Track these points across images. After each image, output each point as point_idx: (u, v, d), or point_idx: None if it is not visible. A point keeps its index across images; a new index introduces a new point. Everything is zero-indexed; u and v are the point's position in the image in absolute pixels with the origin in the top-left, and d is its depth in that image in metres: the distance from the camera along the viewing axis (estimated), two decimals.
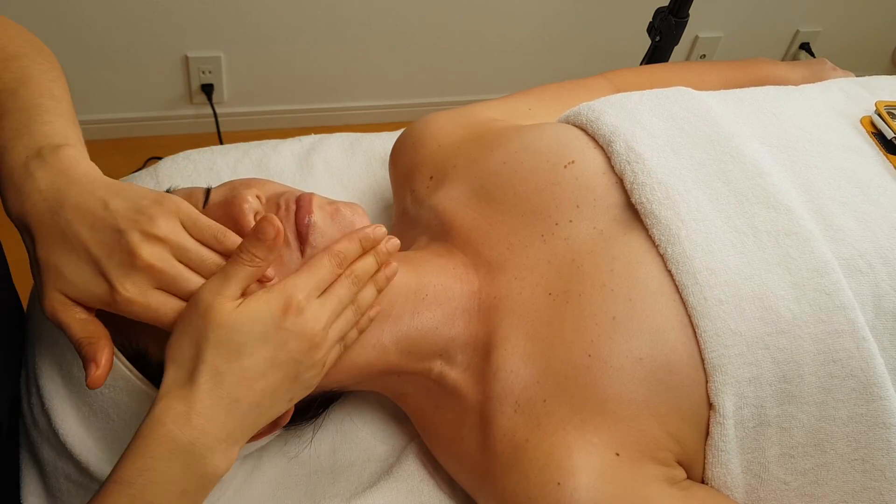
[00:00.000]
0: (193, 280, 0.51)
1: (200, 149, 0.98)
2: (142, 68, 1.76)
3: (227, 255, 0.52)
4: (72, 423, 0.62)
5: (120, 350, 0.57)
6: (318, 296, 0.54)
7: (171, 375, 0.50)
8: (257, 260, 0.51)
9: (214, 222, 0.53)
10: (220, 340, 0.49)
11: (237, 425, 0.50)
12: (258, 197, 0.59)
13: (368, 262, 0.58)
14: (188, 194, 0.62)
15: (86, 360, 0.51)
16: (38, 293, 0.52)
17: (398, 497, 0.68)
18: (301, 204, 0.59)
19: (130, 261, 0.49)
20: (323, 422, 0.73)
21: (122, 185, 0.52)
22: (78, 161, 0.53)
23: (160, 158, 0.99)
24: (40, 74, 0.60)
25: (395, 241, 0.60)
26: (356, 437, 0.74)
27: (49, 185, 0.51)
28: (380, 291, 0.60)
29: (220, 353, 0.49)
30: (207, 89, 1.83)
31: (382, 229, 0.59)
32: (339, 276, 0.55)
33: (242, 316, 0.49)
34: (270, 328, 0.50)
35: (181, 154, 0.96)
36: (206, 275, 0.52)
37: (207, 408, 0.48)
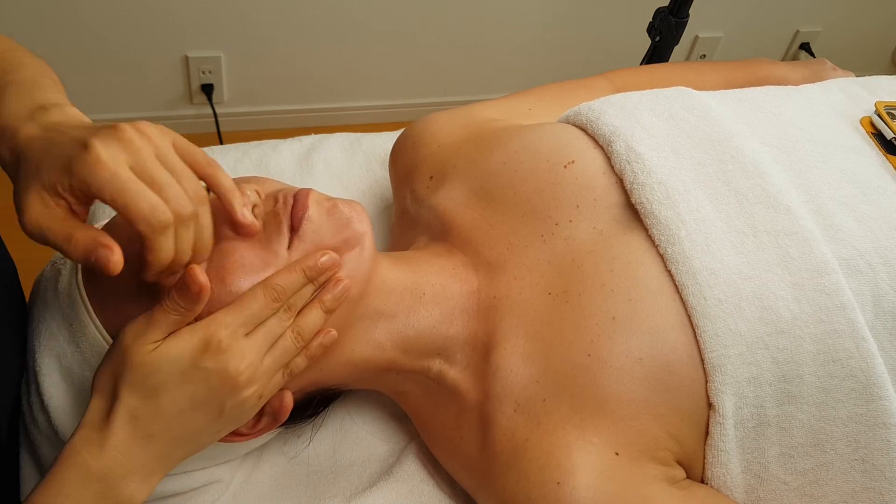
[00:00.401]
0: (164, 176, 0.47)
1: (201, 148, 0.98)
2: (142, 68, 1.76)
3: (206, 180, 0.51)
4: (71, 421, 0.62)
5: None
6: (248, 332, 0.52)
7: (94, 405, 0.51)
8: (181, 309, 0.50)
9: (207, 155, 0.52)
10: (135, 380, 0.49)
11: (152, 458, 0.51)
12: (257, 192, 0.59)
13: (304, 290, 0.55)
14: None
15: (90, 251, 0.45)
16: (19, 212, 0.47)
17: (398, 497, 0.68)
18: (298, 198, 0.58)
19: (113, 133, 0.46)
20: (323, 421, 0.73)
21: None
22: (82, 115, 0.52)
23: None
24: (38, 64, 0.60)
25: (332, 255, 0.56)
26: (356, 437, 0.74)
27: (50, 125, 0.49)
28: (329, 313, 0.57)
29: (135, 392, 0.49)
30: (207, 89, 1.83)
31: (330, 256, 0.56)
32: (278, 309, 0.53)
33: (160, 357, 0.49)
34: (188, 367, 0.50)
35: None
36: (180, 181, 0.48)
37: (121, 441, 0.49)
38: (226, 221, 0.56)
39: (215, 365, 0.50)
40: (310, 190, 0.60)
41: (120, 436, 0.49)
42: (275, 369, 0.54)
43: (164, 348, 0.50)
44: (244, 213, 0.52)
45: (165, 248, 0.47)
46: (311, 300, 0.56)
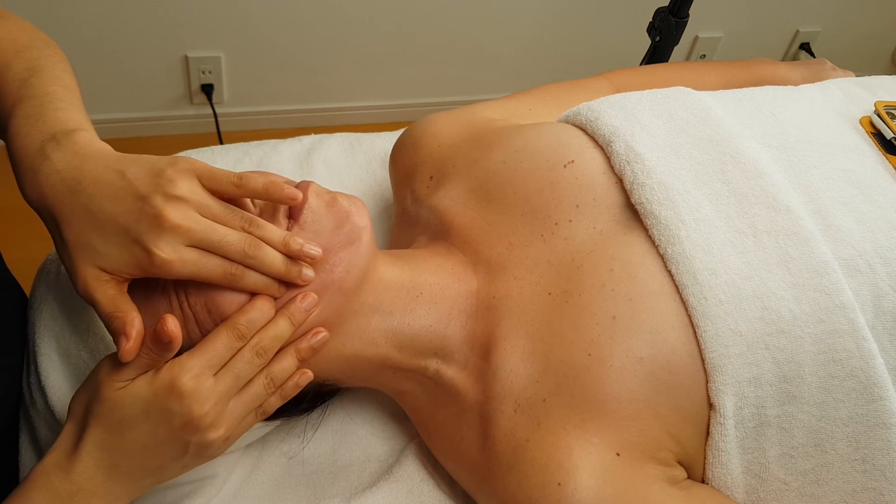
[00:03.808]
0: (222, 232, 0.52)
1: (200, 149, 0.98)
2: (142, 68, 1.76)
3: (249, 195, 0.54)
4: (67, 402, 0.62)
5: None
6: (215, 373, 0.53)
7: (67, 430, 0.53)
8: (153, 355, 0.51)
9: (230, 171, 0.54)
10: (102, 413, 0.52)
11: (118, 485, 0.53)
12: None
13: (280, 328, 0.55)
14: None
15: (115, 334, 0.51)
16: (70, 274, 0.52)
17: (398, 497, 0.68)
18: (298, 189, 0.59)
19: (158, 223, 0.50)
20: (322, 421, 0.73)
21: (135, 156, 0.54)
22: (92, 141, 0.54)
23: None
24: (52, 65, 0.61)
25: (313, 297, 0.56)
26: (356, 437, 0.74)
27: (65, 164, 0.52)
28: (303, 362, 0.57)
29: (102, 424, 0.52)
30: (207, 89, 1.83)
31: (312, 298, 0.56)
32: (241, 348, 0.54)
33: (126, 395, 0.51)
34: (153, 407, 0.51)
35: (181, 154, 0.96)
36: (235, 227, 0.52)
37: (87, 468, 0.52)
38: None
39: (179, 408, 0.51)
40: (310, 182, 0.60)
41: (87, 463, 0.52)
42: (245, 413, 0.55)
43: (131, 387, 0.51)
44: (292, 192, 0.54)
45: (254, 282, 0.53)
46: (286, 345, 0.56)
